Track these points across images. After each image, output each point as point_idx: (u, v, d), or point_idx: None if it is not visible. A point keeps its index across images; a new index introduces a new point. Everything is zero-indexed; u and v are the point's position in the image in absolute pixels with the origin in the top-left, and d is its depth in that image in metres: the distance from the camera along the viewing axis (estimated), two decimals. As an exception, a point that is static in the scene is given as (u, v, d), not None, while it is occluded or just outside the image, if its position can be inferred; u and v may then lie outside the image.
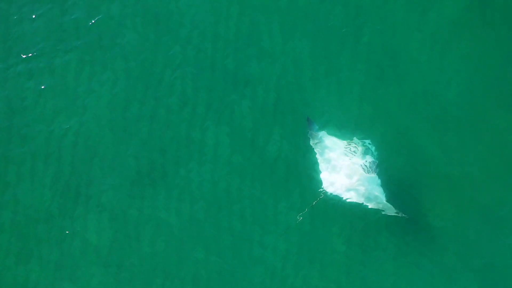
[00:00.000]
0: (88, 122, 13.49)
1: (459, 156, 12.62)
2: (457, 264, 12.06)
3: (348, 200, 11.92)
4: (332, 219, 12.40)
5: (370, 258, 12.19)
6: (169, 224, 12.73)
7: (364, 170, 12.00)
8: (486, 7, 13.42)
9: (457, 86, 13.04)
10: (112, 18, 14.10)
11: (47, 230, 12.93)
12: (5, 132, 13.60)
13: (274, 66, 13.47)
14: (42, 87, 13.80)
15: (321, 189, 12.06)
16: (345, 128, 12.86)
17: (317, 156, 12.29)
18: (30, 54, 14.03)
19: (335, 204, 12.23)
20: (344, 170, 12.02)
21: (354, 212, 12.27)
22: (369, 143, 12.34)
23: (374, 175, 12.01)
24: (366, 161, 12.08)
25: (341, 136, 12.54)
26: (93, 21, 14.11)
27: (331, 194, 12.00)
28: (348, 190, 11.91)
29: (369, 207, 11.88)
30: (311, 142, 12.46)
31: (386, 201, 11.84)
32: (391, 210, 11.83)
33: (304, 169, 12.70)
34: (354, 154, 12.14)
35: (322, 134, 12.46)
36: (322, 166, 12.19)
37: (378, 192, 11.90)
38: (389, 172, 12.42)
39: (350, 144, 12.26)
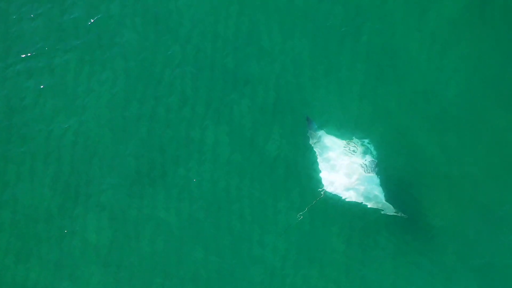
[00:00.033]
0: (87, 122, 13.48)
1: (458, 156, 12.61)
2: (457, 264, 12.05)
3: (347, 200, 11.92)
4: (332, 218, 12.39)
5: (370, 258, 12.18)
6: (169, 223, 12.72)
7: (364, 170, 11.99)
8: (486, 6, 13.42)
9: (457, 86, 13.04)
10: (112, 18, 14.10)
11: (47, 229, 12.93)
12: (5, 131, 13.60)
13: (274, 66, 13.47)
14: (42, 86, 13.80)
15: (321, 189, 12.05)
16: (344, 127, 12.86)
17: (317, 155, 12.28)
18: (30, 54, 14.03)
19: (334, 203, 12.22)
20: (344, 169, 12.02)
21: (353, 212, 12.26)
22: (368, 143, 12.33)
23: (373, 175, 12.01)
24: (365, 160, 12.08)
25: (341, 136, 12.53)
26: (92, 21, 14.10)
27: (330, 193, 11.99)
28: (348, 189, 11.91)
29: (369, 206, 11.87)
30: (311, 142, 12.45)
31: (385, 200, 11.83)
32: (390, 210, 11.82)
33: (304, 169, 12.70)
34: (354, 153, 12.13)
35: (322, 133, 12.46)
36: (321, 165, 12.18)
37: (378, 192, 11.89)
38: (388, 171, 12.41)
39: (349, 144, 12.25)
